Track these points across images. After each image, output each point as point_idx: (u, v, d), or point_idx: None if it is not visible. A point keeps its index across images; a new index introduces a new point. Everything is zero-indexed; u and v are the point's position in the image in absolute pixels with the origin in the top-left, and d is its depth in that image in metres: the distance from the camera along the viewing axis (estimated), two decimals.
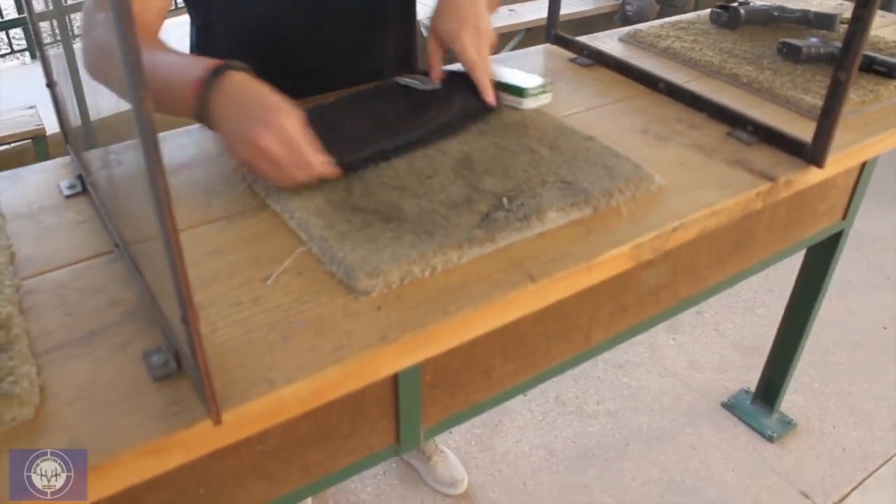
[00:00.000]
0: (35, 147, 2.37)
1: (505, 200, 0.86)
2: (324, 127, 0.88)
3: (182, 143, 1.02)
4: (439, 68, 1.07)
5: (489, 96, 1.04)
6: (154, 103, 0.87)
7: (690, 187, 0.94)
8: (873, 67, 1.21)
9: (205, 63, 0.83)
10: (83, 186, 0.89)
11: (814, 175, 1.00)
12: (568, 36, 1.38)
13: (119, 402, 0.62)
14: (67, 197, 0.89)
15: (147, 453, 0.59)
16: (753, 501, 1.75)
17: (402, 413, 0.94)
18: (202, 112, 0.83)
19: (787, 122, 1.09)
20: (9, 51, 3.35)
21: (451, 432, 1.92)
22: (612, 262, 0.83)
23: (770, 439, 1.90)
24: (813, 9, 1.47)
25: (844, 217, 1.50)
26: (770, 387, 1.92)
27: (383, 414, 0.93)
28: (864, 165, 1.42)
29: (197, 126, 1.07)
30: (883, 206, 2.91)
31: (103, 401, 0.62)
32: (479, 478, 1.81)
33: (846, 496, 1.78)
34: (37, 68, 3.26)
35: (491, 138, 1.00)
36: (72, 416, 0.60)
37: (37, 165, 0.97)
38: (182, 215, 0.85)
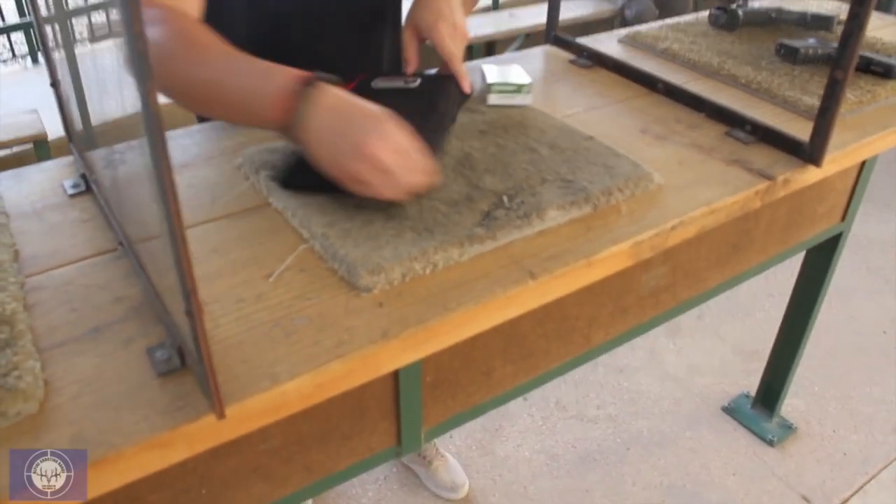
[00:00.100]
0: (36, 151, 2.37)
1: (505, 199, 0.86)
2: None
3: (184, 144, 1.02)
4: (416, 60, 1.08)
5: (466, 86, 1.05)
6: (219, 110, 0.87)
7: (689, 186, 0.95)
8: (871, 68, 1.22)
9: (287, 73, 0.80)
10: (87, 185, 0.90)
11: (812, 174, 1.01)
12: (567, 37, 1.39)
13: (123, 397, 0.62)
14: (71, 196, 0.90)
15: (151, 447, 0.59)
16: None
17: (402, 414, 0.94)
18: (293, 126, 0.79)
19: (786, 121, 1.10)
20: (10, 55, 3.36)
21: (451, 436, 1.92)
22: (611, 259, 0.83)
23: (770, 443, 1.90)
24: (811, 10, 1.49)
25: (843, 219, 1.50)
26: (770, 391, 1.92)
27: (384, 415, 0.94)
28: (862, 167, 1.42)
29: (198, 127, 1.08)
30: (882, 210, 2.92)
31: (107, 396, 0.62)
32: (479, 482, 1.81)
33: (847, 500, 1.77)
34: (38, 73, 3.29)
35: (492, 138, 1.01)
36: (76, 410, 0.61)
37: (41, 165, 0.98)
38: (184, 214, 0.84)
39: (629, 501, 1.76)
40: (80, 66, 0.99)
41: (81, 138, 0.93)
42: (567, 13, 3.64)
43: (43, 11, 0.91)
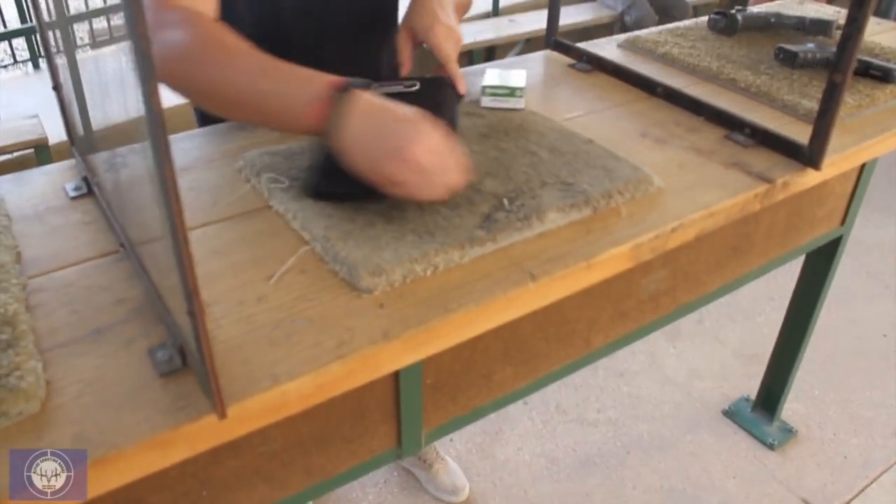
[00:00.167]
0: (37, 156, 2.37)
1: (506, 201, 0.87)
2: None
3: (185, 147, 1.03)
4: (410, 64, 1.09)
5: (462, 88, 1.05)
6: (247, 113, 0.87)
7: (689, 189, 0.95)
8: (869, 72, 1.22)
9: (321, 79, 0.82)
10: (89, 188, 0.90)
11: (811, 177, 1.01)
12: (567, 42, 1.39)
13: (125, 397, 0.62)
14: (73, 198, 0.90)
15: (153, 447, 0.60)
16: None
17: (403, 416, 0.94)
18: (327, 131, 0.81)
19: (785, 125, 1.10)
20: (12, 61, 3.37)
21: (451, 440, 1.92)
22: (611, 261, 0.83)
23: (771, 447, 1.90)
24: (809, 15, 1.49)
25: (843, 223, 1.51)
26: (770, 394, 1.92)
27: (385, 417, 0.94)
28: (861, 172, 1.43)
29: (199, 130, 1.09)
30: (881, 215, 2.93)
31: (109, 396, 0.62)
32: (480, 486, 1.81)
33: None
34: (39, 78, 3.30)
35: (492, 141, 1.01)
36: (78, 410, 0.61)
37: (42, 168, 0.98)
38: (185, 216, 0.85)
39: None
40: (81, 71, 1.00)
41: (83, 141, 0.93)
42: (567, 19, 3.65)
43: (45, 16, 0.91)
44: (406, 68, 1.08)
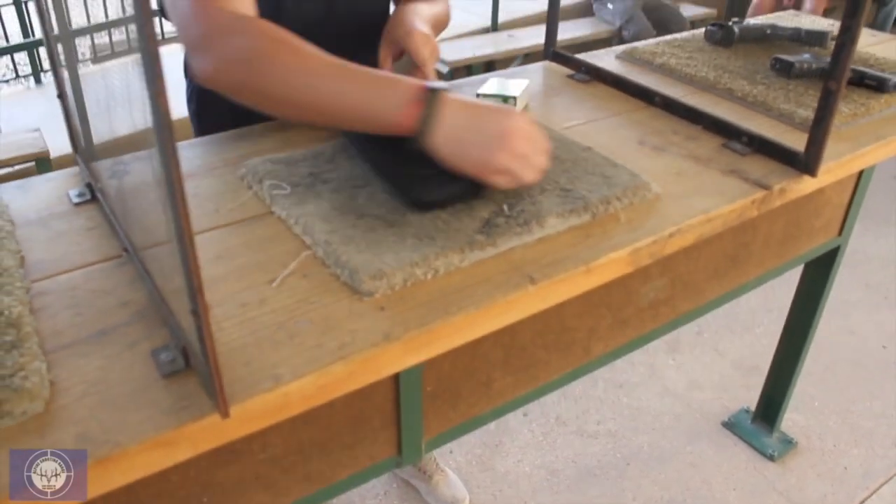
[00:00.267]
0: (39, 169, 2.39)
1: (506, 207, 0.88)
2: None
3: (187, 156, 1.04)
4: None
5: None
6: (326, 116, 0.89)
7: (687, 195, 0.96)
8: (864, 82, 1.24)
9: (409, 81, 0.86)
10: (92, 194, 0.91)
11: (807, 184, 1.02)
12: (566, 53, 1.41)
13: (128, 397, 0.63)
14: (77, 204, 0.91)
15: (156, 446, 0.60)
16: None
17: (403, 424, 0.95)
18: (418, 130, 0.84)
19: (781, 134, 1.11)
20: (14, 76, 3.40)
21: (451, 451, 1.92)
22: (610, 265, 0.84)
23: (771, 458, 1.90)
24: (805, 27, 1.51)
25: (840, 233, 1.52)
26: (770, 405, 1.92)
27: (385, 424, 0.94)
28: (858, 182, 1.44)
29: (200, 139, 1.10)
30: (880, 227, 2.94)
31: (113, 396, 0.63)
32: (480, 497, 1.81)
33: None
34: (41, 92, 3.32)
35: None
36: (81, 410, 0.62)
37: (46, 175, 0.99)
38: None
39: None
40: (86, 81, 1.01)
41: (87, 148, 0.94)
42: (565, 33, 3.68)
43: (51, 29, 0.93)
44: None
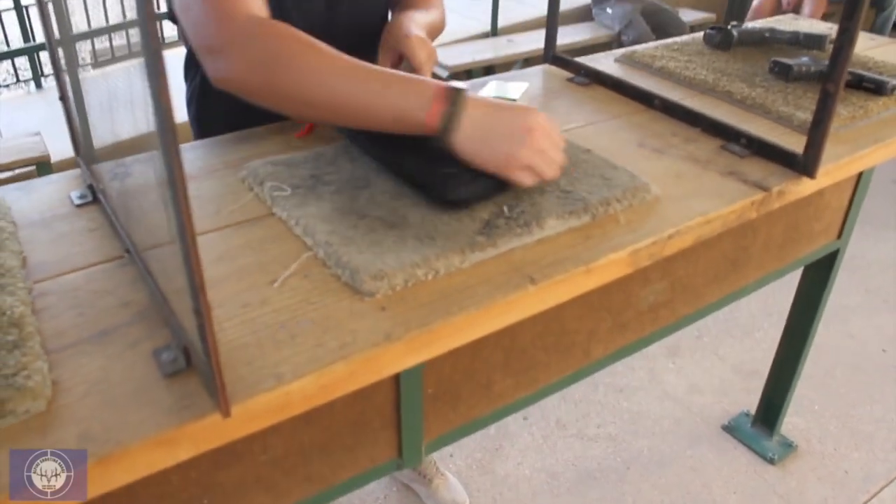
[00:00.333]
0: (39, 173, 2.39)
1: (506, 208, 0.88)
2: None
3: (188, 158, 1.04)
4: None
5: None
6: (352, 116, 0.90)
7: (686, 197, 0.96)
8: (863, 85, 1.24)
9: (433, 82, 0.88)
10: (94, 196, 0.92)
11: (806, 185, 1.02)
12: (566, 57, 1.42)
13: (130, 396, 0.63)
14: (78, 206, 0.91)
15: (157, 445, 0.60)
16: None
17: (403, 425, 0.95)
18: (443, 128, 0.86)
19: (780, 136, 1.12)
20: (14, 80, 3.40)
21: (451, 455, 1.92)
22: (610, 266, 0.84)
23: (771, 462, 1.90)
24: (803, 30, 1.51)
25: (839, 236, 1.52)
26: (770, 409, 1.93)
27: (385, 426, 0.94)
28: (857, 186, 1.44)
29: (200, 142, 1.10)
30: (879, 231, 2.94)
31: (114, 395, 0.63)
32: (480, 501, 1.80)
33: None
34: (41, 97, 3.33)
35: None
36: (83, 409, 0.62)
37: (48, 177, 1.00)
38: None
39: None
40: (89, 84, 1.01)
41: (88, 151, 0.94)
42: (564, 38, 3.69)
43: (53, 33, 0.93)
44: None
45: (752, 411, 2.00)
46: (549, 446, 1.97)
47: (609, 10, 4.00)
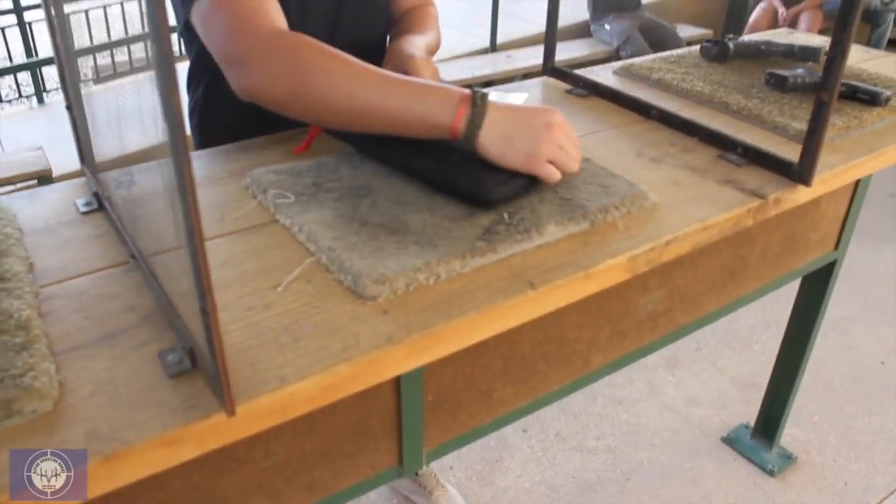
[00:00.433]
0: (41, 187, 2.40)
1: (506, 215, 0.89)
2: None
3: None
4: None
5: None
6: (382, 123, 0.94)
7: (683, 204, 0.97)
8: (857, 96, 1.26)
9: (455, 89, 0.92)
10: (99, 204, 0.93)
11: (802, 193, 1.04)
12: (564, 69, 1.43)
13: (135, 397, 0.64)
14: (84, 213, 0.92)
15: (163, 444, 0.61)
16: None
17: (404, 433, 0.96)
18: (466, 132, 0.90)
19: (776, 145, 1.13)
20: (17, 95, 3.42)
21: (451, 467, 1.92)
22: (608, 272, 0.85)
23: (771, 473, 1.90)
24: (798, 43, 1.53)
25: (836, 247, 1.53)
26: (769, 421, 1.93)
27: (386, 434, 0.95)
28: (853, 196, 1.46)
29: (204, 151, 1.12)
30: (876, 244, 2.96)
31: (120, 396, 0.64)
32: None
33: None
34: (44, 112, 3.35)
35: None
36: (90, 409, 0.62)
37: (53, 186, 1.01)
38: None
39: None
40: (94, 97, 1.03)
41: (94, 159, 0.96)
42: (563, 54, 3.73)
43: (51, 52, 0.95)
44: None
45: (752, 423, 2.00)
46: (548, 459, 1.97)
47: (607, 27, 4.04)
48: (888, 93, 1.26)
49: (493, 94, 1.21)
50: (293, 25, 0.99)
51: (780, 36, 1.71)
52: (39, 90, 3.37)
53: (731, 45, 1.49)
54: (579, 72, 1.44)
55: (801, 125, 1.15)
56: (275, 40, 0.93)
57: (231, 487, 0.83)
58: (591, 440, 2.03)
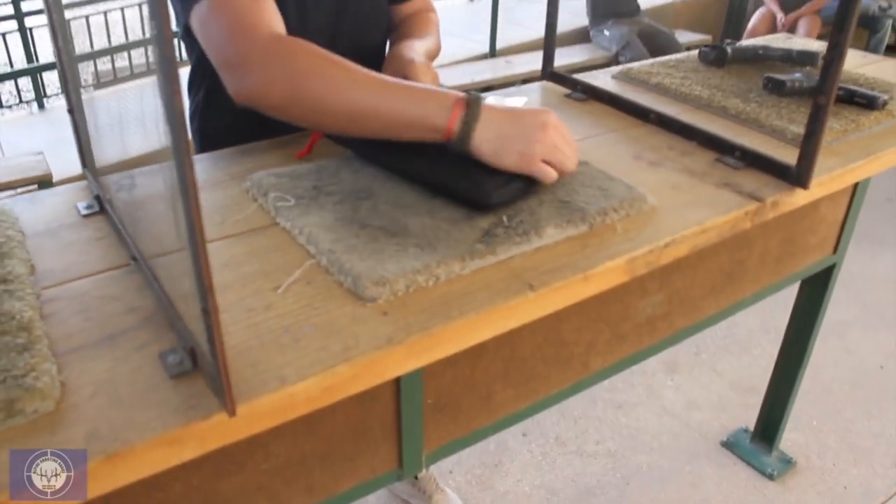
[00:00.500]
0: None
1: (505, 218, 0.90)
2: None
3: None
4: None
5: None
6: (379, 127, 0.94)
7: (682, 207, 0.98)
8: (854, 100, 1.27)
9: (450, 92, 0.93)
10: (100, 206, 0.93)
11: (799, 196, 1.04)
12: (563, 73, 1.44)
13: (137, 397, 0.64)
14: (85, 216, 0.93)
15: (164, 444, 0.61)
16: None
17: (404, 435, 0.96)
18: (461, 134, 0.91)
19: (773, 149, 1.14)
20: (17, 101, 3.43)
21: (451, 471, 1.92)
22: (607, 273, 0.86)
23: (770, 477, 1.90)
24: (796, 48, 1.54)
25: (835, 251, 1.54)
26: (769, 425, 1.93)
27: (386, 436, 0.95)
28: (851, 199, 1.46)
29: (204, 155, 1.12)
30: (875, 248, 2.96)
31: (122, 396, 0.64)
32: None
33: None
34: (44, 117, 3.36)
35: None
36: (91, 409, 0.63)
37: (54, 189, 1.01)
38: None
39: None
40: (95, 102, 1.03)
41: (95, 162, 0.96)
42: (562, 60, 3.74)
43: (52, 56, 0.95)
44: None
45: (751, 427, 2.00)
46: (548, 463, 1.97)
47: (606, 32, 4.06)
48: (885, 97, 1.27)
49: (492, 98, 1.22)
50: (293, 31, 1.00)
51: (778, 41, 1.71)
52: (40, 95, 3.38)
53: (729, 49, 1.49)
54: (578, 76, 1.44)
55: (799, 129, 1.16)
56: (272, 45, 0.94)
57: (231, 489, 0.83)
58: (591, 444, 2.03)
